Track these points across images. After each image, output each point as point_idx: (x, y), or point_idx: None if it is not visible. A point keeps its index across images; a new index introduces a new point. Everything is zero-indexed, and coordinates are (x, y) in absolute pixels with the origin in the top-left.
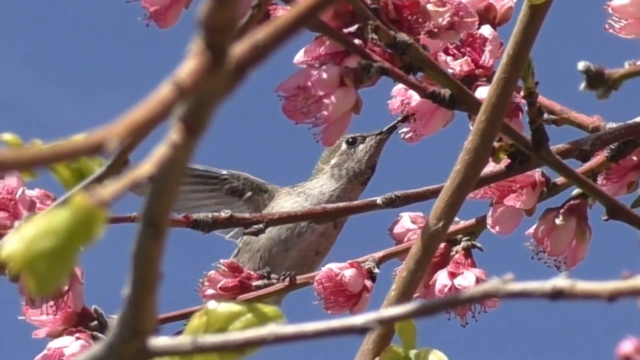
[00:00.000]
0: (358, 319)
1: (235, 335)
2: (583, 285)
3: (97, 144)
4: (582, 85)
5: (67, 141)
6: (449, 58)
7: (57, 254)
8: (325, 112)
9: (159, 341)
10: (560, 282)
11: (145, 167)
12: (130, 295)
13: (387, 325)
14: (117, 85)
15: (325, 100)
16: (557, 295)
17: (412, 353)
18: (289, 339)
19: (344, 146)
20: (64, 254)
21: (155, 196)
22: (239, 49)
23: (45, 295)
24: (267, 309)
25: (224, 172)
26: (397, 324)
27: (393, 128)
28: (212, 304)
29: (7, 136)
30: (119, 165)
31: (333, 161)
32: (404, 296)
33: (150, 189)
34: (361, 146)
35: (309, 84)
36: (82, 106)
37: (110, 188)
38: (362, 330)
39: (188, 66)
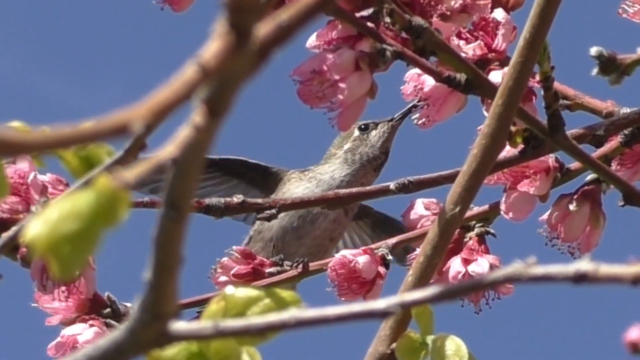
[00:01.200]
0: (380, 303)
1: (256, 319)
2: (606, 269)
3: (121, 126)
4: (595, 70)
5: (91, 123)
6: (461, 42)
7: (81, 237)
8: (340, 97)
9: (180, 326)
10: (584, 265)
11: (167, 149)
12: (151, 278)
13: (405, 311)
14: (121, 72)
15: (341, 85)
16: (580, 279)
17: (429, 339)
18: (310, 324)
19: (356, 132)
20: (88, 237)
21: (177, 179)
22: (263, 29)
23: (67, 278)
24: (285, 293)
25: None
26: (414, 310)
27: (406, 114)
28: (229, 289)
29: (15, 124)
30: (136, 149)
31: (346, 146)
32: (421, 281)
33: (172, 172)
34: (374, 132)
35: (324, 68)
36: (85, 92)
37: (134, 170)
38: (384, 314)
39: (212, 47)
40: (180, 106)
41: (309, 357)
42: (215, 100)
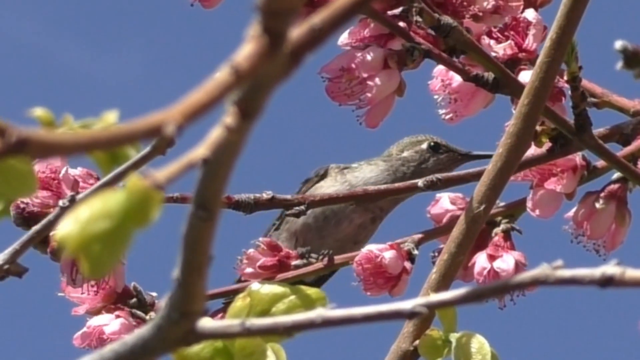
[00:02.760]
0: (406, 304)
1: (283, 318)
2: (633, 273)
3: (154, 128)
4: (619, 64)
5: (125, 125)
6: (492, 41)
7: (112, 236)
8: (368, 94)
9: (207, 324)
10: (610, 269)
11: (199, 150)
12: (180, 277)
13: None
14: (137, 38)
15: (369, 82)
16: (606, 282)
17: (453, 337)
18: (337, 323)
19: (425, 146)
20: (119, 236)
21: (208, 179)
22: (296, 33)
23: (97, 277)
24: (311, 291)
25: None
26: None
27: (482, 157)
28: (255, 286)
29: (39, 112)
30: (164, 146)
31: (405, 154)
32: (444, 279)
33: (203, 172)
34: (442, 156)
35: (353, 65)
36: (103, 57)
37: (166, 170)
38: (410, 314)
39: (245, 50)
40: (212, 108)
41: (331, 353)
42: (247, 102)
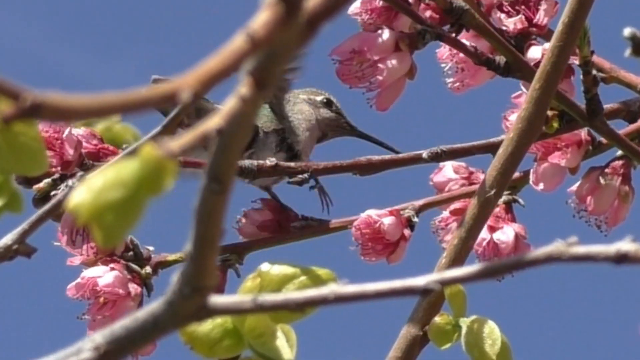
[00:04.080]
0: (419, 280)
1: (296, 294)
2: None
3: (169, 94)
4: (628, 51)
5: (139, 91)
6: (503, 15)
7: (125, 205)
8: (379, 77)
9: (219, 299)
10: (625, 245)
11: (213, 120)
12: (192, 251)
13: (438, 293)
14: (135, 46)
15: (380, 65)
16: (621, 259)
17: (463, 322)
18: (349, 299)
19: (319, 98)
20: (132, 205)
21: (221, 151)
22: (312, 1)
23: (111, 246)
24: (322, 271)
25: None
26: (448, 292)
27: (364, 137)
28: (265, 266)
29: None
30: (174, 125)
31: (302, 96)
32: (454, 264)
33: (216, 143)
34: (327, 111)
35: (364, 48)
36: (101, 64)
37: (180, 140)
38: (423, 291)
39: (261, 18)
40: (228, 76)
41: (340, 339)
42: (262, 72)
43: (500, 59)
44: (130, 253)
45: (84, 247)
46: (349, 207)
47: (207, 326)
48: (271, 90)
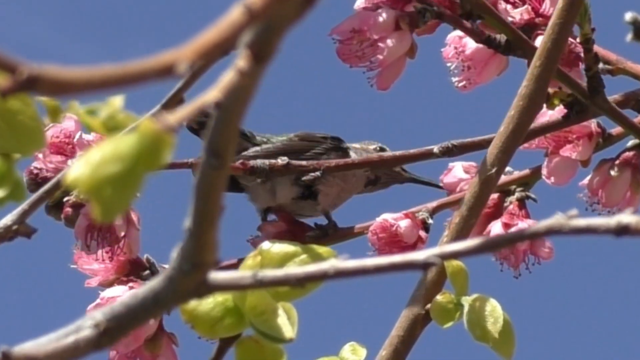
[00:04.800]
0: (420, 255)
1: (296, 269)
2: None
3: (166, 66)
4: (629, 36)
5: (137, 63)
6: (509, 6)
7: (123, 179)
8: (380, 56)
9: (219, 275)
10: (626, 217)
11: (211, 93)
12: (191, 227)
13: (439, 272)
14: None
15: (380, 44)
16: (622, 231)
17: (465, 300)
18: (349, 274)
19: (372, 146)
20: (130, 179)
21: (220, 125)
22: None
23: (109, 221)
24: (322, 249)
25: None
26: (450, 271)
27: (416, 181)
28: (266, 244)
29: (44, 98)
30: (173, 103)
31: (356, 145)
32: (456, 242)
33: (215, 118)
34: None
35: (364, 27)
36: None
37: (177, 114)
38: (423, 265)
39: None
40: (225, 48)
41: (342, 318)
42: (260, 44)
43: (501, 37)
44: (147, 272)
45: (99, 252)
46: (358, 212)
47: (208, 305)
48: (269, 63)
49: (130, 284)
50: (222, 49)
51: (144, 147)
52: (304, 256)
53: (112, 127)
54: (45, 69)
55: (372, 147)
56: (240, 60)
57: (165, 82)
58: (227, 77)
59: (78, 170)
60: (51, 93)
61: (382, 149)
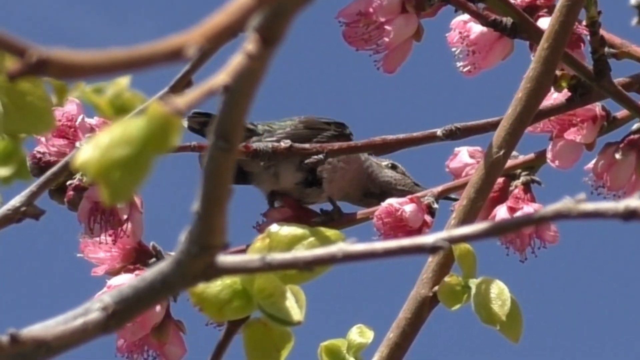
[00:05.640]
0: (428, 238)
1: (304, 252)
2: None
3: (175, 50)
4: (634, 20)
5: (145, 47)
6: None
7: (132, 162)
8: (386, 39)
9: (227, 258)
10: (634, 202)
11: (220, 77)
12: (200, 210)
13: (447, 254)
14: (149, 6)
15: (387, 27)
16: (630, 215)
17: (472, 282)
18: (358, 258)
19: (384, 162)
20: (139, 162)
21: (229, 108)
22: None
23: (117, 204)
24: (330, 232)
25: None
26: (457, 253)
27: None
28: (274, 227)
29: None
30: (181, 85)
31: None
32: (463, 224)
33: (223, 101)
34: (393, 173)
35: (371, 10)
36: (114, 26)
37: (185, 97)
38: (432, 249)
39: None
40: (234, 32)
41: (350, 300)
42: (269, 28)
43: (507, 20)
44: (154, 259)
45: (103, 235)
46: None
47: (216, 287)
48: (278, 47)
49: (137, 272)
50: (231, 33)
51: (152, 131)
52: (312, 239)
53: (118, 106)
54: (54, 52)
55: (384, 163)
56: (249, 43)
57: (174, 65)
58: (235, 61)
59: (87, 153)
60: (60, 76)
61: (393, 166)
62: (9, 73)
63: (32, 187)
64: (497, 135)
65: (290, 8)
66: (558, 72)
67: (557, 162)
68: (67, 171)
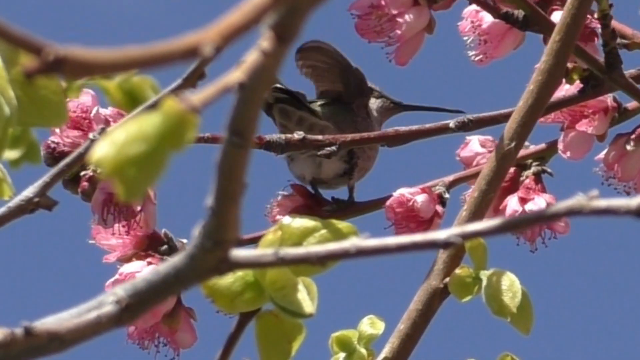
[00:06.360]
0: (441, 234)
1: (317, 247)
2: None
3: (191, 48)
4: None
5: (161, 45)
6: None
7: (147, 159)
8: (398, 31)
9: (240, 253)
10: None
11: (235, 74)
12: (213, 205)
13: (458, 246)
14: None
15: (399, 19)
16: None
17: (483, 274)
18: (371, 253)
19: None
20: (154, 159)
21: (243, 105)
22: None
23: (132, 201)
24: (342, 225)
25: None
26: (468, 245)
27: (413, 108)
28: (286, 219)
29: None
30: (195, 78)
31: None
32: (475, 216)
33: (238, 97)
34: (374, 100)
35: (383, 2)
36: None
37: (201, 94)
38: (445, 244)
39: None
40: (249, 30)
41: (361, 291)
42: (283, 25)
43: (519, 12)
44: (165, 247)
45: (116, 226)
46: (375, 187)
47: (228, 279)
48: (292, 44)
49: (149, 259)
50: (246, 31)
51: (168, 128)
52: (324, 231)
53: (126, 90)
54: (70, 50)
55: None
56: (264, 41)
57: (190, 63)
58: (250, 58)
59: (102, 150)
60: (77, 74)
61: (380, 95)
62: (25, 71)
63: (45, 177)
64: (509, 128)
65: (305, 6)
66: (570, 65)
67: (568, 153)
68: (81, 162)
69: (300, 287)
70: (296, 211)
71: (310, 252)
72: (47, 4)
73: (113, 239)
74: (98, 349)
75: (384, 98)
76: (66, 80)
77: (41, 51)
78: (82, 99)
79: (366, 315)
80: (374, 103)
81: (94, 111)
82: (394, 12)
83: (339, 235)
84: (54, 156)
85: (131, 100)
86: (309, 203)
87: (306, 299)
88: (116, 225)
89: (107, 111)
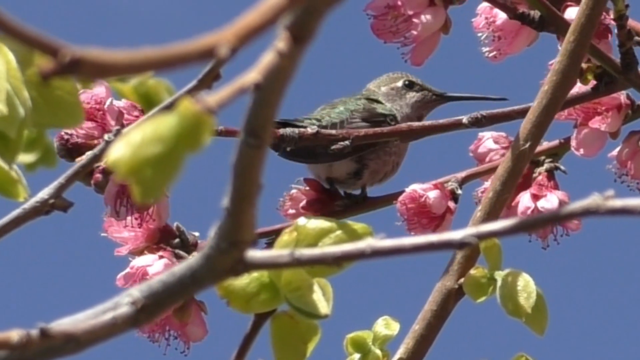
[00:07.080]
0: (457, 234)
1: (333, 248)
2: None
3: (207, 49)
4: None
5: (177, 46)
6: None
7: (164, 160)
8: (414, 32)
9: (256, 254)
10: None
11: (251, 75)
12: (229, 206)
13: (473, 247)
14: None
15: (415, 20)
16: None
17: (498, 275)
18: (386, 253)
19: (400, 83)
20: (171, 160)
21: (259, 105)
22: None
23: (148, 202)
24: (357, 225)
25: None
26: (483, 246)
27: (457, 98)
28: (302, 220)
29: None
30: (210, 79)
31: (383, 89)
32: (489, 217)
33: (254, 98)
34: (414, 94)
35: (399, 2)
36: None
37: (217, 95)
38: (460, 245)
39: None
40: (265, 31)
41: (376, 292)
42: (299, 26)
43: (535, 13)
44: (177, 240)
45: (128, 218)
46: (388, 182)
47: (243, 280)
48: (308, 45)
49: (160, 253)
50: (262, 32)
51: (184, 129)
52: (339, 232)
53: (142, 93)
54: (86, 51)
55: (399, 84)
56: (280, 41)
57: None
58: (266, 59)
59: (119, 151)
60: (93, 76)
61: (410, 84)
62: (41, 73)
63: (61, 179)
64: (523, 128)
65: (321, 6)
66: (584, 65)
67: (581, 151)
68: (96, 162)
69: (316, 288)
70: (308, 205)
71: (325, 253)
72: (62, 5)
73: (125, 232)
74: (113, 351)
75: (426, 91)
76: (82, 82)
77: (57, 52)
78: (96, 90)
79: (381, 316)
80: (411, 98)
81: (107, 102)
82: (410, 12)
83: (354, 236)
84: (67, 148)
85: (147, 104)
86: (322, 197)
87: (321, 299)
88: (129, 217)
89: (121, 103)
